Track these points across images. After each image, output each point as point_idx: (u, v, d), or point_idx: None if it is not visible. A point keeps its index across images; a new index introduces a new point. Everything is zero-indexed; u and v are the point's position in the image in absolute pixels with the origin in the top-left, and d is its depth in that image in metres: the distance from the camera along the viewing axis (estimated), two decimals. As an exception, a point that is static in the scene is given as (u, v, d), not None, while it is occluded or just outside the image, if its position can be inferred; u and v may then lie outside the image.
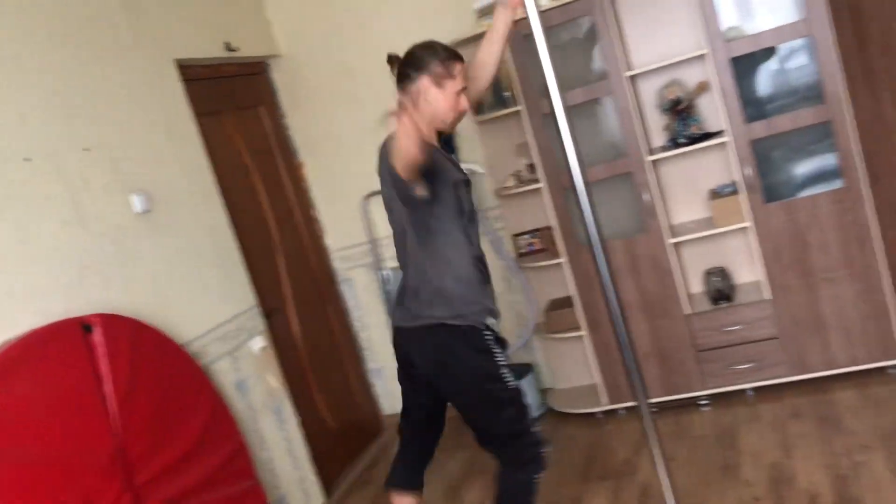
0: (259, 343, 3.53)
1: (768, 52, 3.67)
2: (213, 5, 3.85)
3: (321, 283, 4.48)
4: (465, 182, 2.56)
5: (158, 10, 3.43)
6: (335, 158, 4.47)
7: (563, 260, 3.90)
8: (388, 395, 4.70)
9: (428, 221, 2.46)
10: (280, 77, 4.45)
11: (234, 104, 4.04)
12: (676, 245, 3.83)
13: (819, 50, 3.41)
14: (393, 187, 2.41)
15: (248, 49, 4.08)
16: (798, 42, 3.55)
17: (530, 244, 4.22)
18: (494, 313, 2.59)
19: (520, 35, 3.59)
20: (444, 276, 2.49)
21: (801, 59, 3.68)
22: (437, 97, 2.48)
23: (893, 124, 3.25)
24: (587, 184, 2.47)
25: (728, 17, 3.67)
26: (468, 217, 2.56)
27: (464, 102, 2.52)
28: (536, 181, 3.90)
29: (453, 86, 2.48)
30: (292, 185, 4.40)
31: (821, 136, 3.58)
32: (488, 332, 2.54)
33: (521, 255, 4.23)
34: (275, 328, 3.83)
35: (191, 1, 3.68)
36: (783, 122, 3.54)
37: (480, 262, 2.58)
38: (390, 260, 4.51)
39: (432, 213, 2.45)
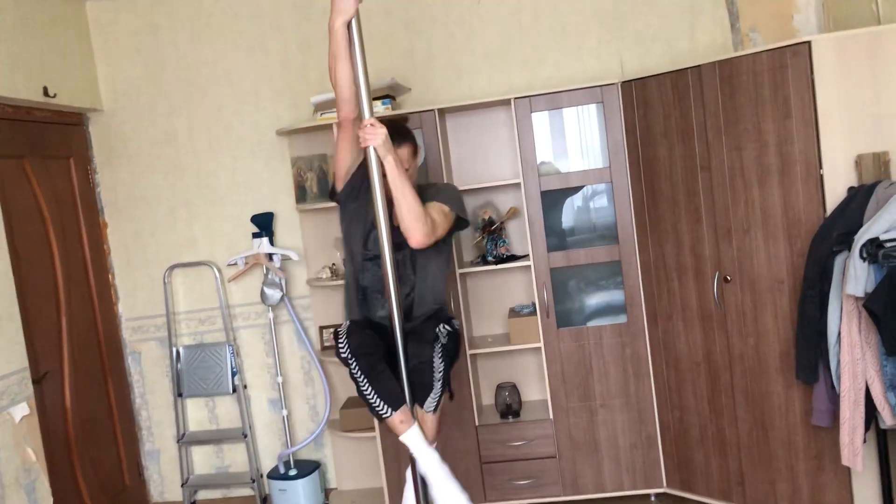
0: (22, 411, 3.20)
1: (575, 190, 4.02)
2: (37, 47, 3.66)
3: (106, 352, 4.18)
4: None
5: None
6: (142, 224, 4.28)
7: (364, 358, 3.91)
8: (160, 480, 4.39)
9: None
10: (97, 132, 4.26)
11: (41, 151, 3.80)
12: (473, 356, 3.97)
13: (617, 196, 3.78)
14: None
15: (68, 98, 3.89)
16: (601, 185, 3.93)
17: (334, 338, 4.20)
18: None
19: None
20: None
21: (602, 201, 4.06)
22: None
23: (673, 272, 3.64)
24: (396, 284, 2.54)
25: (544, 152, 4.00)
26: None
27: None
28: (349, 277, 3.92)
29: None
30: (91, 245, 4.14)
31: (612, 273, 3.93)
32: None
33: (324, 348, 4.19)
34: (44, 394, 3.51)
35: (14, 38, 3.49)
36: (580, 256, 3.85)
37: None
38: (185, 336, 4.32)
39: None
